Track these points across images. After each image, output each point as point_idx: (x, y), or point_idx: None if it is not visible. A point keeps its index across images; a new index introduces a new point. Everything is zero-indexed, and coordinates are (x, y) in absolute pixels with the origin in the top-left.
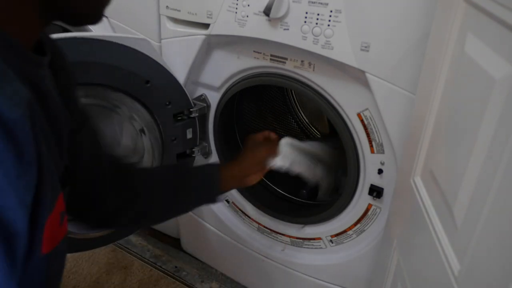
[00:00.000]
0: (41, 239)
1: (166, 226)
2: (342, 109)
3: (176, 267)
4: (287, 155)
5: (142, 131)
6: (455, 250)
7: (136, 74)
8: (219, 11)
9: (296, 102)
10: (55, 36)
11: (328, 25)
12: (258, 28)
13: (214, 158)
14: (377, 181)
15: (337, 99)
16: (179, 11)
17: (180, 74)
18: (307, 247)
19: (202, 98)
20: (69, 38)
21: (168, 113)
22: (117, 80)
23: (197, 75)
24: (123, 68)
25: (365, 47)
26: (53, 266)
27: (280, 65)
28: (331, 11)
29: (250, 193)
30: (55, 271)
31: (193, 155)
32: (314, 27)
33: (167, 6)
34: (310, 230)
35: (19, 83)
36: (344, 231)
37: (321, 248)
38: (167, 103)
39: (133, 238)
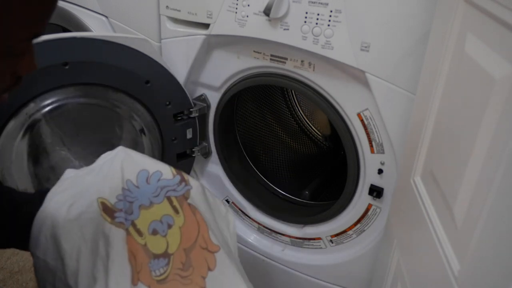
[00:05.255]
0: None
1: None
2: (342, 109)
3: None
4: None
5: (142, 131)
6: (455, 250)
7: (136, 74)
8: (219, 11)
9: (296, 102)
10: (54, 36)
11: (328, 25)
12: (258, 28)
13: (214, 158)
14: (377, 181)
15: (337, 99)
16: (179, 11)
17: (180, 74)
18: (307, 247)
19: (202, 98)
20: (69, 38)
21: (168, 113)
22: (117, 80)
23: (197, 75)
24: (123, 68)
25: (365, 47)
26: None
27: (280, 65)
28: (331, 11)
29: (250, 193)
30: None
31: (193, 155)
32: (314, 27)
33: (167, 6)
34: (310, 230)
35: None
36: (344, 231)
37: (321, 248)
38: (167, 103)
39: None
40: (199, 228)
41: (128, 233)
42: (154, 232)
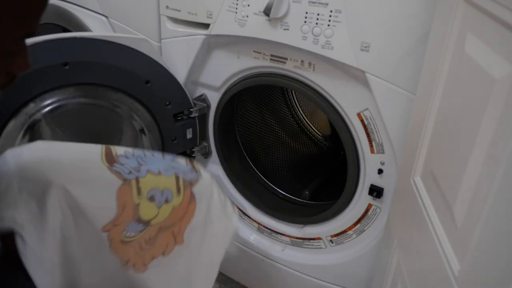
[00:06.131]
0: None
1: None
2: (342, 109)
3: None
4: None
5: (142, 131)
6: (455, 250)
7: (136, 74)
8: (219, 11)
9: (296, 102)
10: (54, 36)
11: (328, 25)
12: (258, 28)
13: (214, 158)
14: (377, 181)
15: (337, 99)
16: (179, 11)
17: (180, 74)
18: (307, 247)
19: (202, 98)
20: (69, 38)
21: (168, 113)
22: (117, 80)
23: (197, 75)
24: (123, 68)
25: (365, 47)
26: None
27: (280, 65)
28: (331, 11)
29: (250, 193)
30: None
31: (193, 155)
32: (314, 27)
33: (167, 6)
34: (310, 230)
35: None
36: (344, 231)
37: (321, 248)
38: (167, 103)
39: None
40: (183, 217)
41: (126, 184)
42: (151, 199)
